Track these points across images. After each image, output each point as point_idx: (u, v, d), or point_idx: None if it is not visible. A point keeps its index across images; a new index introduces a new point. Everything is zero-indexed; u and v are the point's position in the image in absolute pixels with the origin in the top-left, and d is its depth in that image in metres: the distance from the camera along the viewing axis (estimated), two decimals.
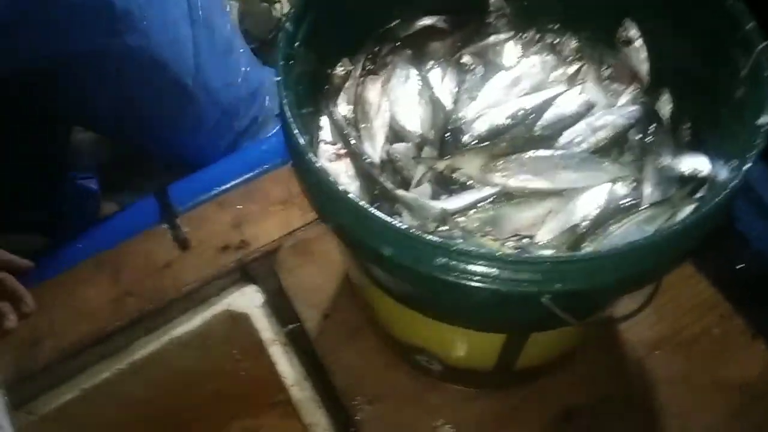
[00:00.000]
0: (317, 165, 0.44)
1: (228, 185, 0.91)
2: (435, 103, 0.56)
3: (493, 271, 0.40)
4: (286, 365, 0.80)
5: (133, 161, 1.25)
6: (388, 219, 0.41)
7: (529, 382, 0.72)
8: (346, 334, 0.78)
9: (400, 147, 0.54)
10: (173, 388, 0.90)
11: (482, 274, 0.40)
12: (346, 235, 0.46)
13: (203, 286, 0.85)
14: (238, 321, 0.85)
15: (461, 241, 0.47)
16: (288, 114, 0.45)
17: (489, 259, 0.40)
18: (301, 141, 0.45)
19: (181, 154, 1.08)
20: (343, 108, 0.58)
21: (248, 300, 0.85)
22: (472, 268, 0.40)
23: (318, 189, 0.46)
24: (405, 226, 0.40)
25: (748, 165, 0.43)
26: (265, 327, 0.83)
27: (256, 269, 0.86)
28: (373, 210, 0.41)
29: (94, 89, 0.94)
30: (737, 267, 0.83)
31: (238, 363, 0.95)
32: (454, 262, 0.40)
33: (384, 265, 0.45)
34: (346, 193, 0.42)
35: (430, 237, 0.40)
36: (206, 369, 0.92)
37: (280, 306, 0.84)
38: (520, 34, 0.61)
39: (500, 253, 0.40)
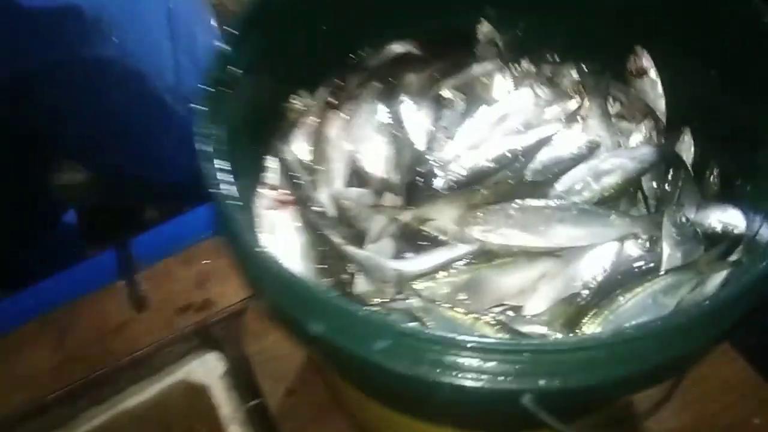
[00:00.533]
0: (232, 211, 0.34)
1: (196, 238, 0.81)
2: (401, 141, 0.46)
3: (452, 360, 0.29)
4: None
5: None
6: (313, 285, 0.30)
7: None
8: (311, 416, 0.66)
9: (351, 192, 0.44)
10: None
11: (438, 364, 0.30)
12: (268, 306, 0.36)
13: (159, 351, 0.74)
14: (197, 393, 0.74)
15: (418, 315, 0.36)
16: (205, 150, 0.36)
17: (445, 344, 0.29)
18: (219, 181, 0.35)
19: (163, 176, 0.99)
20: (298, 147, 0.48)
21: (209, 369, 0.74)
22: (424, 355, 0.29)
23: (234, 242, 0.36)
24: (333, 295, 0.30)
25: None
26: (224, 402, 0.72)
27: (219, 333, 0.76)
28: (292, 272, 0.31)
29: (67, 103, 0.87)
30: None
31: None
32: (400, 347, 0.30)
33: (315, 347, 0.34)
34: (260, 249, 0.32)
35: (365, 312, 0.30)
36: None
37: (243, 377, 0.73)
38: (512, 64, 0.51)
39: (460, 337, 0.30)
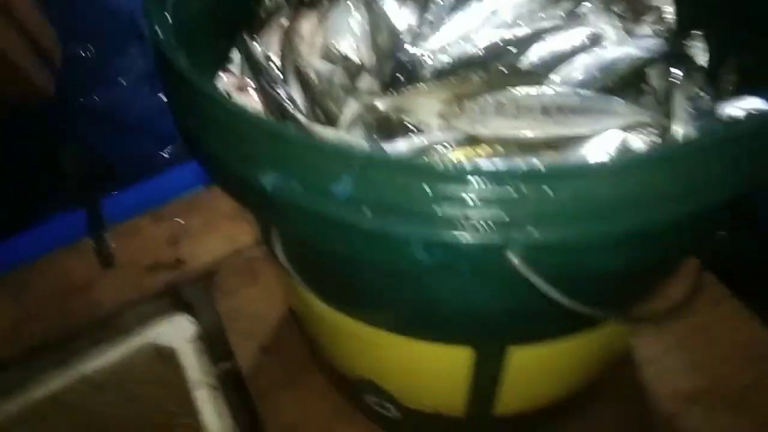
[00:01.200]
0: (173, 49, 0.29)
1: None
2: (381, 27, 0.41)
3: (420, 199, 0.24)
4: (212, 415, 0.62)
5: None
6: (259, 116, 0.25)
7: None
8: (286, 375, 0.61)
9: (322, 67, 0.40)
10: None
11: (410, 211, 0.24)
12: (211, 160, 0.30)
13: (124, 312, 0.69)
14: (165, 358, 0.68)
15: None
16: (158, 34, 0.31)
17: (411, 170, 0.24)
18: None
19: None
20: (267, 45, 0.44)
21: (178, 331, 0.69)
22: (396, 196, 0.24)
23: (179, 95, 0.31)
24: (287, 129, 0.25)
25: None
26: (193, 365, 0.66)
27: (189, 294, 0.70)
28: (238, 104, 0.26)
29: None
30: None
31: (173, 417, 0.77)
32: (366, 187, 0.24)
33: (269, 211, 0.29)
34: (199, 83, 0.27)
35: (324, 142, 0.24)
36: (130, 422, 0.74)
37: (214, 339, 0.68)
38: None
39: (432, 162, 0.24)
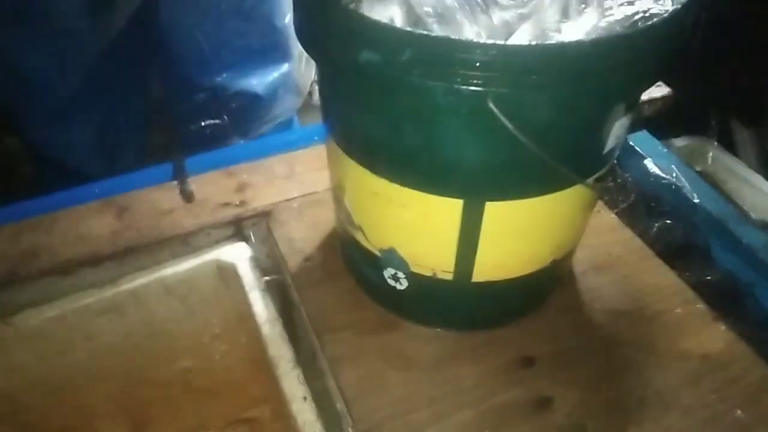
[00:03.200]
0: None
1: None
2: None
3: (443, 63, 0.47)
4: (260, 306, 0.83)
5: None
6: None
7: (490, 329, 0.74)
8: (322, 276, 0.82)
9: None
10: (147, 348, 0.91)
11: (434, 71, 0.48)
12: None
13: (198, 233, 0.90)
14: (225, 273, 0.89)
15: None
16: None
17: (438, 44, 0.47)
18: None
19: None
20: None
21: (238, 253, 0.90)
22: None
23: None
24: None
25: None
26: (248, 275, 0.87)
27: (249, 228, 0.92)
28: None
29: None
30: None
31: (215, 339, 0.97)
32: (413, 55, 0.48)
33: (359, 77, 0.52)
34: None
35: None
36: (182, 333, 0.94)
37: (266, 263, 0.89)
38: None
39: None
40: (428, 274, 0.67)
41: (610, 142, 0.59)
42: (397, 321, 0.75)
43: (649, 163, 1.03)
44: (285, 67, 1.27)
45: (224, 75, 1.18)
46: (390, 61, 0.49)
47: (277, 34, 1.23)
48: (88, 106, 1.14)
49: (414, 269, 0.67)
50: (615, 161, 0.86)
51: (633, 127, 1.01)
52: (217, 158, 1.00)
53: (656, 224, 0.95)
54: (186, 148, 1.01)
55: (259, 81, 1.23)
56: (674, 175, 0.99)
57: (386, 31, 0.49)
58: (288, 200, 0.93)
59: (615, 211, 0.93)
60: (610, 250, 0.84)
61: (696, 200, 0.96)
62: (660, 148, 1.06)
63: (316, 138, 1.04)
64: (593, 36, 0.52)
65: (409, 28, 0.50)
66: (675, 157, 1.05)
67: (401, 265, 0.68)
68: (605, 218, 0.90)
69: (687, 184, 0.97)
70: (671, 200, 0.97)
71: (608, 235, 0.87)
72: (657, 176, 1.02)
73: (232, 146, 1.03)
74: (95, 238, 0.87)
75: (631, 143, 1.05)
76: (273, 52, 1.23)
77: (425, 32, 0.49)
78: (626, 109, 0.57)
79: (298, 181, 0.96)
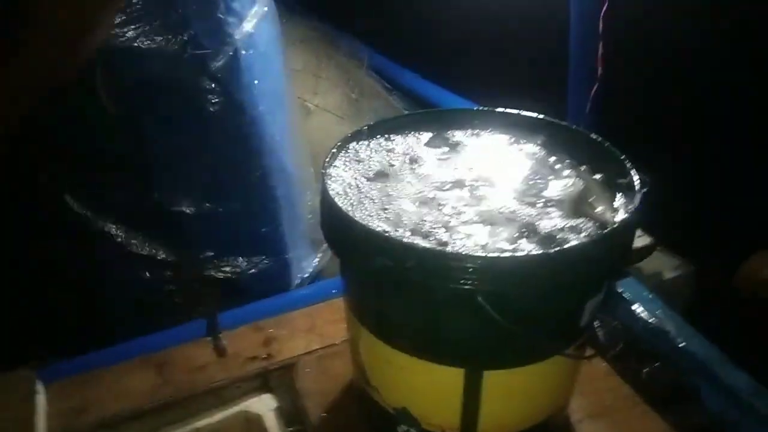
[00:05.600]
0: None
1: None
2: None
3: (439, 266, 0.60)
4: None
5: None
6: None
7: None
8: (340, 428, 0.90)
9: None
10: None
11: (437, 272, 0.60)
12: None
13: (229, 387, 1.00)
14: (252, 422, 0.98)
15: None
16: None
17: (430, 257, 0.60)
18: None
19: None
20: None
21: (264, 405, 0.99)
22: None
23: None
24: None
25: None
26: (274, 426, 0.96)
27: (275, 380, 1.02)
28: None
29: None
30: None
31: None
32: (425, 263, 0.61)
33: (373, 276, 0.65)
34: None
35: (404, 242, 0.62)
36: None
37: (290, 413, 0.98)
38: None
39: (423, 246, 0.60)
40: (438, 431, 0.76)
41: (586, 317, 0.70)
42: None
43: (637, 308, 1.13)
44: None
45: None
46: (398, 266, 0.62)
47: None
48: None
49: (425, 426, 0.77)
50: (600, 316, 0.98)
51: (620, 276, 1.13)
52: (246, 313, 1.12)
53: (646, 369, 1.04)
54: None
55: None
56: (661, 319, 1.09)
57: (395, 243, 0.63)
58: (309, 353, 1.03)
59: (606, 357, 1.02)
60: (602, 399, 0.93)
61: (681, 344, 1.05)
62: (646, 293, 1.17)
63: (334, 291, 1.16)
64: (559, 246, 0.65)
65: (412, 242, 0.63)
66: (660, 302, 1.15)
67: (413, 423, 0.77)
68: (597, 366, 0.99)
69: (673, 329, 1.07)
70: (659, 344, 1.06)
71: (600, 383, 0.96)
72: (644, 321, 1.11)
73: (259, 302, 1.15)
74: (138, 394, 0.97)
75: (619, 290, 1.15)
76: None
77: (425, 245, 0.62)
78: (597, 293, 0.69)
79: (319, 334, 1.07)
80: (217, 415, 0.98)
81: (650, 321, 1.11)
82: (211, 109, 1.16)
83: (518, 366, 0.69)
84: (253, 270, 1.28)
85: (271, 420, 0.97)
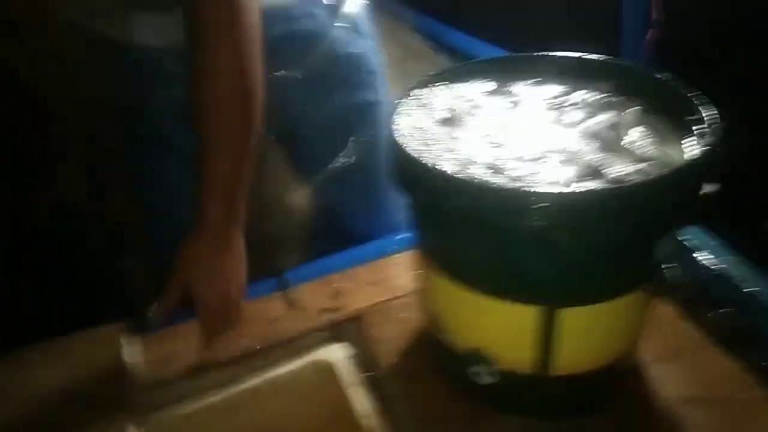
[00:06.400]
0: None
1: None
2: None
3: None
4: (359, 401, 0.95)
5: None
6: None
7: (576, 418, 0.84)
8: (414, 372, 0.94)
9: None
10: None
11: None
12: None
13: (301, 338, 1.05)
14: (325, 369, 1.03)
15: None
16: None
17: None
18: None
19: None
20: None
21: (335, 353, 1.03)
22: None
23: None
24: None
25: None
26: (346, 373, 1.00)
27: (344, 330, 1.06)
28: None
29: None
30: None
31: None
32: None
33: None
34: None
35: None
36: (289, 429, 1.06)
37: (361, 360, 1.02)
38: None
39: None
40: (510, 370, 0.79)
41: (656, 257, 0.71)
42: (488, 413, 0.86)
43: (701, 255, 1.13)
44: None
45: None
46: (473, 206, 0.64)
47: None
48: None
49: (496, 366, 0.79)
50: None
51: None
52: (313, 270, 1.16)
53: (711, 313, 1.04)
54: None
55: None
56: (726, 265, 1.09)
57: (469, 183, 0.64)
58: (376, 304, 1.07)
59: (672, 303, 1.02)
60: (671, 341, 0.93)
61: (747, 289, 1.04)
62: (711, 241, 1.16)
63: (395, 247, 1.18)
64: (637, 179, 0.65)
65: (486, 180, 0.64)
66: (726, 249, 1.14)
67: (485, 363, 0.80)
68: (664, 310, 0.99)
69: (738, 274, 1.06)
70: (724, 290, 1.06)
71: (668, 327, 0.96)
72: (708, 268, 1.11)
73: (326, 258, 1.19)
74: (218, 345, 1.02)
75: (683, 238, 1.15)
76: None
77: (499, 184, 0.64)
78: (668, 231, 0.69)
79: (384, 287, 1.10)
80: (292, 364, 1.02)
81: (714, 267, 1.10)
82: None
83: (593, 303, 0.70)
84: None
85: (343, 367, 1.00)
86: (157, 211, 1.26)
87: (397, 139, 0.72)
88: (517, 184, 0.66)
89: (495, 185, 0.64)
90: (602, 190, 0.63)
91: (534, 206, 0.61)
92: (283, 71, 1.13)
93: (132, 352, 1.01)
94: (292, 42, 1.14)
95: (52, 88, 1.15)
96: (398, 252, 1.17)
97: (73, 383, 0.98)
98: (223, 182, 0.95)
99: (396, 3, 2.02)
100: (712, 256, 1.11)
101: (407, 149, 0.70)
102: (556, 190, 0.63)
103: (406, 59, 1.79)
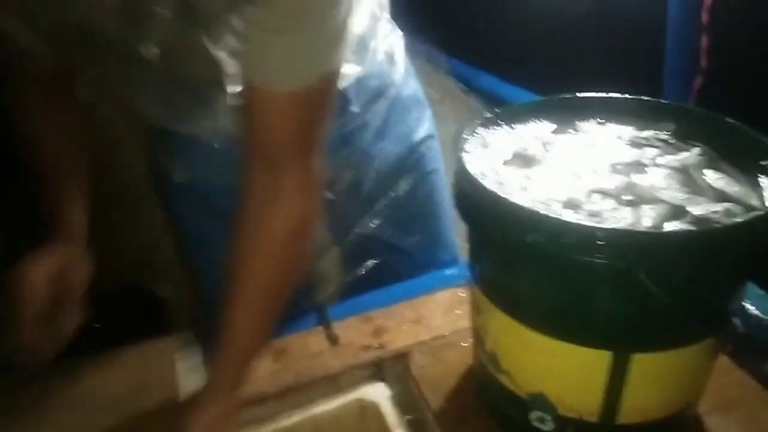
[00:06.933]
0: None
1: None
2: None
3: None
4: None
5: None
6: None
7: None
8: (462, 415, 0.91)
9: None
10: None
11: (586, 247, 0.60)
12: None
13: (343, 375, 1.02)
14: (368, 409, 1.00)
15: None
16: None
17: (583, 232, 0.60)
18: None
19: None
20: None
21: (378, 393, 1.01)
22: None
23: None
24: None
25: None
26: (390, 414, 0.97)
27: (387, 369, 1.03)
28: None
29: None
30: None
31: None
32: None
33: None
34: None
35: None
36: None
37: (405, 401, 1.00)
38: None
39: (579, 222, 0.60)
40: (575, 416, 0.76)
41: (732, 304, 0.69)
42: None
43: (748, 305, 1.10)
44: None
45: None
46: (553, 242, 0.63)
47: None
48: None
49: (561, 412, 0.76)
50: None
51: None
52: (352, 306, 1.14)
53: (765, 364, 1.01)
54: None
55: None
56: None
57: (548, 219, 0.63)
58: (420, 343, 1.05)
59: (725, 353, 1.00)
60: (728, 392, 0.91)
61: None
62: (757, 291, 1.14)
63: (437, 285, 1.17)
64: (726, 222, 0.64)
65: (569, 218, 0.63)
66: None
67: (549, 408, 0.77)
68: (720, 360, 0.97)
69: None
70: None
71: (724, 377, 0.94)
72: (757, 317, 1.08)
73: (365, 295, 1.17)
74: (259, 379, 1.00)
75: None
76: None
77: (581, 221, 0.63)
78: (746, 278, 0.68)
79: (426, 325, 1.08)
80: (333, 402, 1.00)
81: (762, 317, 1.08)
82: None
83: (666, 349, 0.68)
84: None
85: (387, 407, 0.98)
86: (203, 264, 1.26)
87: (471, 173, 0.71)
88: (599, 222, 0.64)
89: (576, 222, 0.62)
90: (694, 232, 0.62)
91: (617, 246, 0.60)
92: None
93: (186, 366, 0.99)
94: (367, 95, 1.13)
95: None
96: (438, 290, 1.16)
97: (127, 394, 0.97)
98: (248, 340, 0.84)
99: (430, 47, 2.06)
100: (761, 306, 1.09)
101: (484, 183, 0.69)
102: (640, 228, 0.62)
103: (443, 100, 1.81)
